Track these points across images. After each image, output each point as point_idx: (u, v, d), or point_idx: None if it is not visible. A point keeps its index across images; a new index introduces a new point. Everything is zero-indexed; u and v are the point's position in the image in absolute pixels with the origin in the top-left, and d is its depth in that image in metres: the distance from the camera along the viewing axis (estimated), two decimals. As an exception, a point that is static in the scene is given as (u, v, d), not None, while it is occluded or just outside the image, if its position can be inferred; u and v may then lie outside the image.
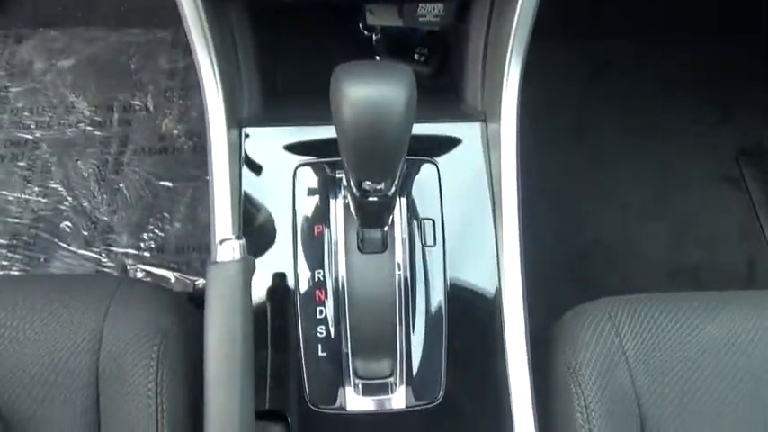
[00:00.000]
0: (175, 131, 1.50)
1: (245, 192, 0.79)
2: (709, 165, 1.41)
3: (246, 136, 0.82)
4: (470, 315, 0.76)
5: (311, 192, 0.80)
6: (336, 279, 0.73)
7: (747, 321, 0.73)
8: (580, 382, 0.70)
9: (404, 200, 0.77)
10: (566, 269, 1.22)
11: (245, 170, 0.81)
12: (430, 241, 0.78)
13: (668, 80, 1.43)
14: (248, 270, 0.62)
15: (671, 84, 1.43)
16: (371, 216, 0.69)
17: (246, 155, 0.82)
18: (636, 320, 0.73)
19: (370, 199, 0.64)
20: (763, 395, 0.70)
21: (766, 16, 1.44)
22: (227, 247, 0.62)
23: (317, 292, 0.75)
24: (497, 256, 0.77)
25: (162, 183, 1.44)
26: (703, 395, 0.70)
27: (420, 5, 0.88)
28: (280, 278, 0.77)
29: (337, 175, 0.78)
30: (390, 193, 0.65)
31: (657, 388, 0.70)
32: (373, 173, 0.62)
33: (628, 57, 1.45)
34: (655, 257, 1.28)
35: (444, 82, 1.01)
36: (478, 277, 0.77)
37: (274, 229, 0.79)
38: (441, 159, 0.82)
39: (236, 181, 0.79)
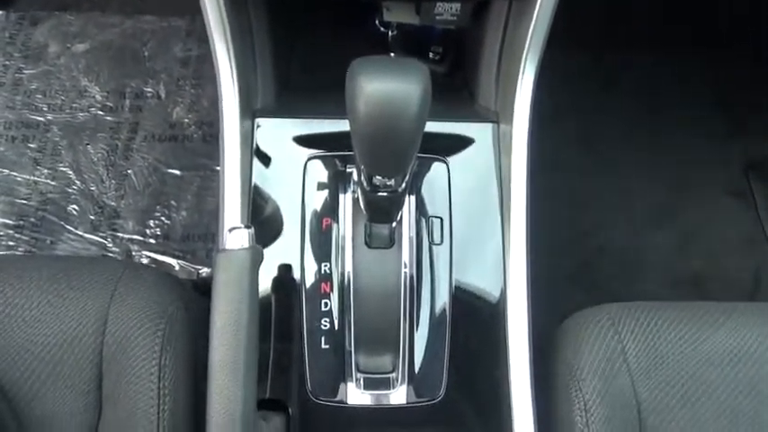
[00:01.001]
0: (186, 120, 1.50)
1: (254, 182, 0.80)
2: (717, 177, 1.41)
3: (259, 126, 0.83)
4: (474, 315, 0.77)
5: (321, 185, 0.80)
6: (342, 273, 0.74)
7: (751, 334, 0.73)
8: (581, 386, 0.70)
9: (413, 197, 0.77)
10: (571, 274, 1.22)
11: (256, 160, 0.81)
12: (437, 239, 0.78)
13: (679, 92, 1.43)
14: (256, 259, 0.62)
15: (682, 96, 1.43)
16: (380, 211, 0.69)
17: (258, 145, 0.82)
18: (639, 327, 0.73)
19: (380, 194, 0.65)
20: (764, 408, 0.70)
21: None
22: (236, 236, 0.63)
23: (323, 284, 0.75)
24: (503, 257, 0.78)
25: (170, 171, 1.45)
26: (704, 405, 0.70)
27: (437, 4, 0.88)
28: (286, 269, 0.77)
29: (347, 170, 0.79)
30: (400, 190, 0.65)
31: (658, 396, 0.70)
32: (384, 168, 0.62)
33: (640, 68, 1.45)
34: (660, 266, 1.28)
35: (458, 81, 1.01)
36: (484, 277, 0.77)
37: (283, 221, 0.79)
38: (451, 158, 0.83)
39: (247, 170, 0.79)
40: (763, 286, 1.30)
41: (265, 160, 0.81)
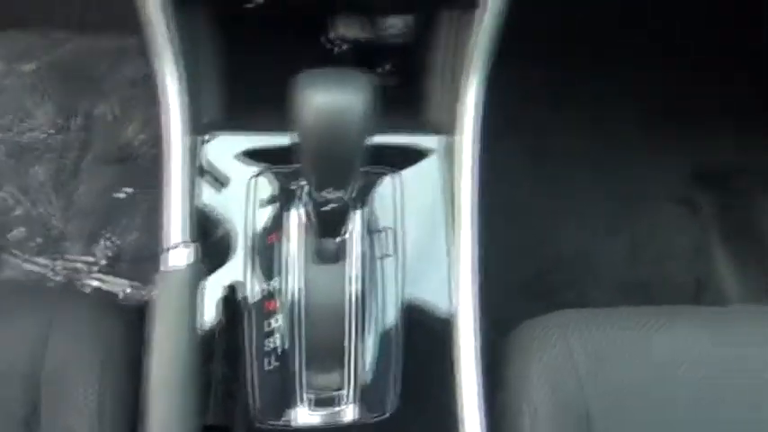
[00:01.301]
0: (137, 140, 1.47)
1: (199, 199, 0.78)
2: (665, 186, 1.44)
3: (204, 142, 0.81)
4: (424, 328, 0.76)
5: (268, 200, 0.79)
6: (290, 290, 0.72)
7: (692, 337, 0.74)
8: (531, 394, 0.70)
9: (363, 210, 0.77)
10: (523, 285, 1.22)
11: (201, 177, 0.79)
12: (387, 252, 0.77)
13: (628, 103, 1.46)
14: (195, 277, 0.61)
15: (630, 107, 1.46)
16: (328, 225, 0.69)
17: (203, 161, 0.80)
18: (586, 333, 0.74)
19: (328, 208, 0.65)
20: (704, 410, 0.70)
21: (726, 39, 1.48)
22: (176, 254, 0.61)
23: (269, 303, 0.74)
24: (453, 270, 0.77)
25: (120, 192, 1.41)
26: (649, 410, 0.70)
27: (386, 18, 0.89)
28: (232, 289, 0.75)
29: (295, 184, 0.78)
30: (348, 202, 0.65)
31: (606, 400, 0.70)
32: (330, 180, 0.62)
33: (589, 80, 1.47)
34: (610, 275, 1.30)
35: (409, 94, 1.01)
36: (433, 290, 0.77)
37: (229, 238, 0.77)
38: (402, 170, 0.83)
39: (190, 187, 0.77)
40: (707, 292, 1.33)
41: (210, 177, 0.80)
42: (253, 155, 0.81)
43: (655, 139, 1.46)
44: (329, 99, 0.54)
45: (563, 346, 0.72)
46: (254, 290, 0.75)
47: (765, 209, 1.44)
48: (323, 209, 0.65)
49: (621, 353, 0.72)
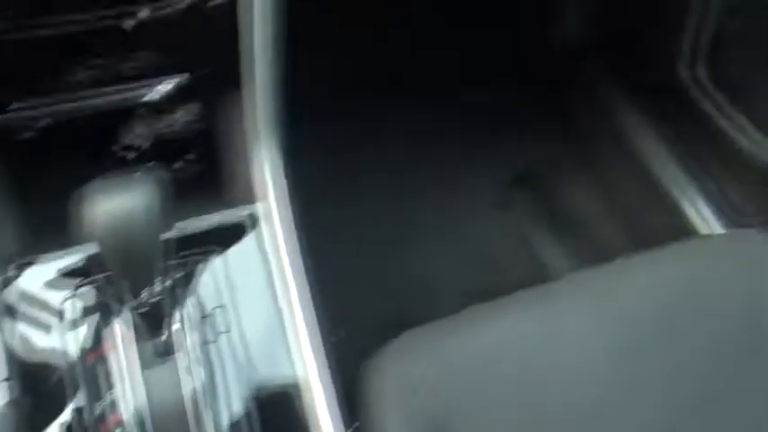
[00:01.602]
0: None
1: (7, 338, 0.73)
2: (487, 194, 1.57)
3: (8, 280, 0.77)
4: (280, 398, 0.75)
5: (84, 316, 0.76)
6: (126, 400, 0.69)
7: (522, 320, 0.80)
8: (383, 423, 0.71)
9: (189, 298, 0.76)
10: (379, 322, 1.24)
11: (12, 317, 0.75)
12: (221, 330, 0.77)
13: (440, 127, 1.58)
14: (6, 421, 0.56)
15: (443, 132, 1.58)
16: (152, 324, 0.67)
17: (10, 299, 0.76)
18: (429, 346, 0.77)
19: (147, 307, 0.64)
20: (536, 394, 0.75)
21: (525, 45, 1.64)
22: None
23: (108, 422, 0.70)
24: (295, 333, 0.78)
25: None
26: (493, 407, 0.74)
27: (171, 113, 0.91)
28: (64, 424, 0.70)
29: (111, 292, 0.76)
30: (166, 296, 0.65)
31: (454, 407, 0.73)
32: (138, 280, 0.63)
33: (401, 113, 1.56)
34: (458, 287, 1.36)
35: (218, 174, 1.03)
36: (279, 359, 0.77)
37: (50, 370, 0.73)
38: (224, 248, 0.84)
39: None
40: (547, 279, 1.43)
41: (16, 312, 0.75)
42: (63, 276, 0.78)
43: (471, 154, 1.58)
44: (114, 205, 0.56)
45: (404, 366, 0.75)
46: (89, 414, 0.70)
47: (577, 195, 1.62)
48: (142, 310, 0.65)
49: (459, 355, 0.76)
